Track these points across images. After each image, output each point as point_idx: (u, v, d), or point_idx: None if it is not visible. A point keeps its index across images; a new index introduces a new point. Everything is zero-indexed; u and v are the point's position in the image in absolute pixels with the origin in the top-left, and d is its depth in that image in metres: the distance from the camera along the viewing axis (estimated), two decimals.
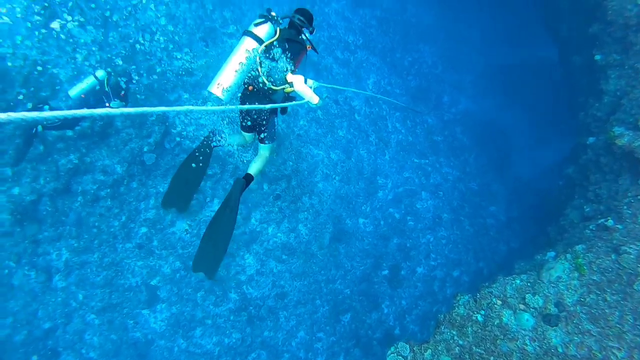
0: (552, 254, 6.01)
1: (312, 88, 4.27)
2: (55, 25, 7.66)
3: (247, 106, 3.68)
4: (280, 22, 4.30)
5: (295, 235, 9.85)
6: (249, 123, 4.57)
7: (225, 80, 4.07)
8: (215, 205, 9.19)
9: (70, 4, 8.07)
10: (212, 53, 9.59)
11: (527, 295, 5.20)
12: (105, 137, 8.00)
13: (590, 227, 6.11)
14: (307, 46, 4.38)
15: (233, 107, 3.27)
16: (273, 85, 4.16)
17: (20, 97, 7.15)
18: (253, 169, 4.57)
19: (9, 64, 7.15)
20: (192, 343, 8.80)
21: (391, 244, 10.96)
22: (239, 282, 9.33)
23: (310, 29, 4.46)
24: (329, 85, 4.87)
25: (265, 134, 4.58)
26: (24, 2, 7.56)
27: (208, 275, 4.28)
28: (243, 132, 4.91)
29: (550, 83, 14.13)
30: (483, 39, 16.84)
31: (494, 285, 5.51)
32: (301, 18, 4.39)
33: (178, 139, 8.81)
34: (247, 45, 4.09)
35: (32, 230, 7.76)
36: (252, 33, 4.12)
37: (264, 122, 4.49)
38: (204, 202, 9.11)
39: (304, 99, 4.24)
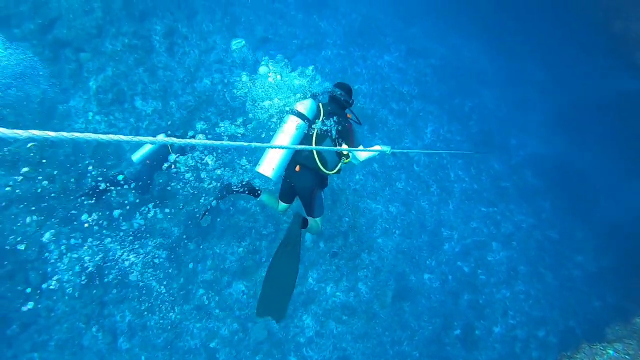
0: None
1: (387, 152, 4.25)
2: None
3: (315, 147, 3.68)
4: (321, 97, 4.41)
5: (355, 294, 9.42)
6: (293, 190, 4.57)
7: (273, 159, 4.11)
8: None
9: (139, 87, 8.86)
10: (264, 116, 9.96)
11: None
12: (163, 200, 8.37)
13: None
14: (348, 114, 4.41)
15: (301, 147, 3.22)
16: (325, 168, 4.16)
17: (90, 167, 7.79)
18: (309, 222, 4.41)
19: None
20: None
21: (462, 301, 10.09)
22: (298, 344, 8.97)
23: (351, 101, 4.49)
24: (403, 150, 4.85)
25: (313, 209, 4.48)
26: (96, 83, 8.43)
27: (276, 317, 4.03)
28: (280, 200, 4.87)
29: (633, 114, 12.92)
30: (549, 77, 15.98)
31: (578, 357, 4.62)
32: (342, 92, 4.45)
33: (232, 199, 9.00)
34: (292, 123, 4.15)
35: (98, 293, 8.13)
36: (295, 110, 4.20)
37: (310, 199, 4.40)
38: (260, 262, 9.07)
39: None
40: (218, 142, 1.81)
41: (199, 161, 7.20)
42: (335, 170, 4.32)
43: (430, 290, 10.00)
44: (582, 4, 12.94)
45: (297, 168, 4.26)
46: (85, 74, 8.48)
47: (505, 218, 11.62)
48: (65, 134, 1.17)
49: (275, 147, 2.76)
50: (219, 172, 6.96)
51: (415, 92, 12.97)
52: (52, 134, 1.14)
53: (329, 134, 4.23)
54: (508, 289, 10.46)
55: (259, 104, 4.40)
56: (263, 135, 4.75)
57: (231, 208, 9.07)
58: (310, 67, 4.77)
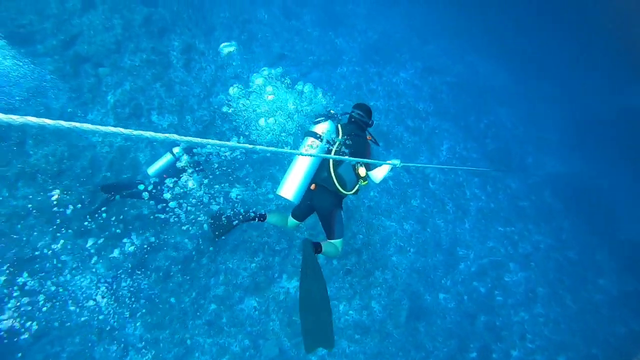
0: None
1: (398, 166, 4.22)
2: None
3: (336, 156, 3.63)
4: (340, 118, 4.40)
5: (368, 313, 9.23)
6: (310, 210, 4.54)
7: (293, 182, 4.17)
8: (284, 281, 9.02)
9: (156, 101, 8.98)
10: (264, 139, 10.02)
11: None
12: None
13: None
14: (368, 137, 4.38)
15: (323, 155, 3.19)
16: (343, 189, 4.17)
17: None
18: (324, 246, 4.27)
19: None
20: None
21: (478, 323, 9.82)
22: None
23: (370, 122, 4.47)
24: (415, 165, 4.79)
25: (333, 231, 4.41)
26: (114, 97, 8.56)
27: (327, 346, 3.82)
28: (291, 216, 4.81)
29: None
30: (567, 94, 15.79)
31: None
32: (360, 113, 4.46)
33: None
34: (310, 145, 4.19)
35: (111, 306, 8.10)
36: (314, 132, 4.23)
37: (330, 219, 4.35)
38: (272, 278, 8.97)
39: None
40: (231, 144, 1.76)
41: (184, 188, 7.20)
42: (353, 191, 4.27)
43: (445, 310, 9.76)
44: (600, 22, 12.85)
45: (313, 186, 4.26)
46: (104, 88, 8.63)
47: (523, 238, 11.36)
48: (63, 123, 1.14)
49: (281, 152, 2.72)
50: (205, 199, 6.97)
51: (430, 109, 12.90)
52: (49, 121, 1.11)
53: (347, 154, 4.20)
54: (526, 312, 10.15)
55: (253, 123, 4.40)
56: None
57: (244, 224, 9.02)
58: (308, 85, 4.75)
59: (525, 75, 15.75)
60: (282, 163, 9.81)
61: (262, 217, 4.70)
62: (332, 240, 4.40)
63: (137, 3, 9.68)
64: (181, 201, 7.20)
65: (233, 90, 4.77)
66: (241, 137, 9.18)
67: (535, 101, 15.16)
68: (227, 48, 10.12)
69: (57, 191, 7.57)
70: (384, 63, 13.30)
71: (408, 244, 10.23)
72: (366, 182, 4.28)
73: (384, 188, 10.80)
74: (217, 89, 9.89)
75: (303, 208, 4.61)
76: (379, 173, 4.31)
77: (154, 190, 7.22)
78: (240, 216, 4.81)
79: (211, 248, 8.67)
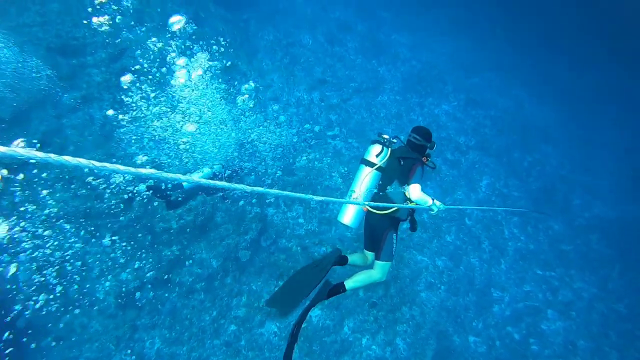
0: None
1: (439, 209, 4.11)
2: None
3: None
4: (395, 141, 4.37)
5: (391, 350, 8.80)
6: (368, 234, 4.52)
7: (350, 209, 4.39)
8: None
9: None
10: (315, 154, 9.96)
11: None
12: (205, 232, 8.38)
13: None
14: (424, 158, 4.27)
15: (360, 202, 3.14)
16: (391, 211, 4.15)
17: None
18: (351, 282, 4.20)
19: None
20: None
21: None
22: None
23: (429, 144, 4.36)
24: (455, 207, 4.65)
25: (381, 250, 4.31)
26: (157, 102, 8.81)
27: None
28: (365, 251, 4.73)
29: None
30: (622, 138, 14.98)
31: None
32: (416, 136, 4.37)
33: (274, 236, 8.88)
34: (365, 173, 4.30)
35: (132, 316, 8.12)
36: (368, 161, 4.34)
37: (381, 238, 4.28)
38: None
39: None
40: (263, 189, 1.64)
41: None
42: (397, 211, 4.15)
43: (474, 355, 9.18)
44: None
45: (365, 209, 4.33)
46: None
47: (564, 284, 10.62)
48: (69, 159, 1.07)
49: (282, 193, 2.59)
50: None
51: (472, 143, 12.54)
52: (53, 157, 1.05)
53: (395, 177, 4.24)
54: None
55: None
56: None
57: (272, 246, 8.94)
58: (248, 84, 4.66)
59: (576, 114, 15.13)
60: (315, 188, 9.72)
61: (343, 260, 4.52)
62: (377, 261, 4.32)
63: (185, 21, 10.05)
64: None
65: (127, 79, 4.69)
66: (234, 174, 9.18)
67: (586, 142, 14.46)
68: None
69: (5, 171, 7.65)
70: (426, 94, 13.13)
71: (439, 281, 9.79)
72: (414, 203, 4.15)
73: (418, 221, 10.45)
74: (257, 109, 10.03)
75: (367, 235, 4.56)
76: (415, 193, 4.17)
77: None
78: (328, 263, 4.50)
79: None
